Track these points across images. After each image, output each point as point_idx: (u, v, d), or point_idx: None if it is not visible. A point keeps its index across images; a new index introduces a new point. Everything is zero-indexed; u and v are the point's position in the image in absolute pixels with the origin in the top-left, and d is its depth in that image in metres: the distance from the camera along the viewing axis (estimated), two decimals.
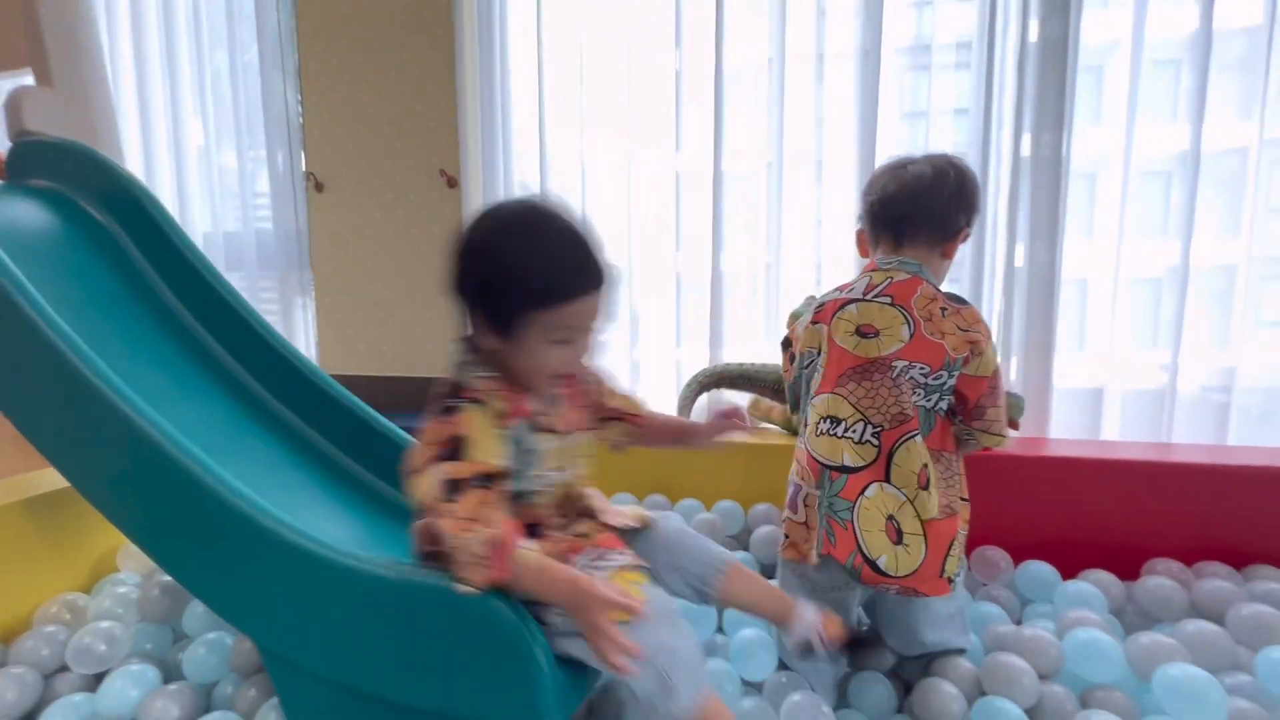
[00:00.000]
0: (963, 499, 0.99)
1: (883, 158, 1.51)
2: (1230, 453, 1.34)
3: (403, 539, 1.13)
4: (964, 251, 1.55)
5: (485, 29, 1.76)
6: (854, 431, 0.95)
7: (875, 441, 0.95)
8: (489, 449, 0.70)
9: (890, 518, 0.93)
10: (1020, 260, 1.52)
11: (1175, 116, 1.46)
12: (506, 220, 0.73)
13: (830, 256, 1.66)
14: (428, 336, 1.93)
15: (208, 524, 0.81)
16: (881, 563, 0.91)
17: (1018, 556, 1.21)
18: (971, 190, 1.03)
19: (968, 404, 1.01)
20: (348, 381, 1.54)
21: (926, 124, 1.61)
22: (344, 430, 1.24)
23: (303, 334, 2.13)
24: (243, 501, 0.78)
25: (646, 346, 1.82)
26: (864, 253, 1.10)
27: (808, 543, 0.96)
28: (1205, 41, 1.39)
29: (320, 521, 1.07)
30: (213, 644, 1.00)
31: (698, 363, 1.65)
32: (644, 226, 1.78)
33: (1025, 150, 1.50)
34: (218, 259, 2.12)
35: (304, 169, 1.97)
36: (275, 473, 1.14)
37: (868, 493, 0.93)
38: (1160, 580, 1.12)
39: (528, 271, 0.70)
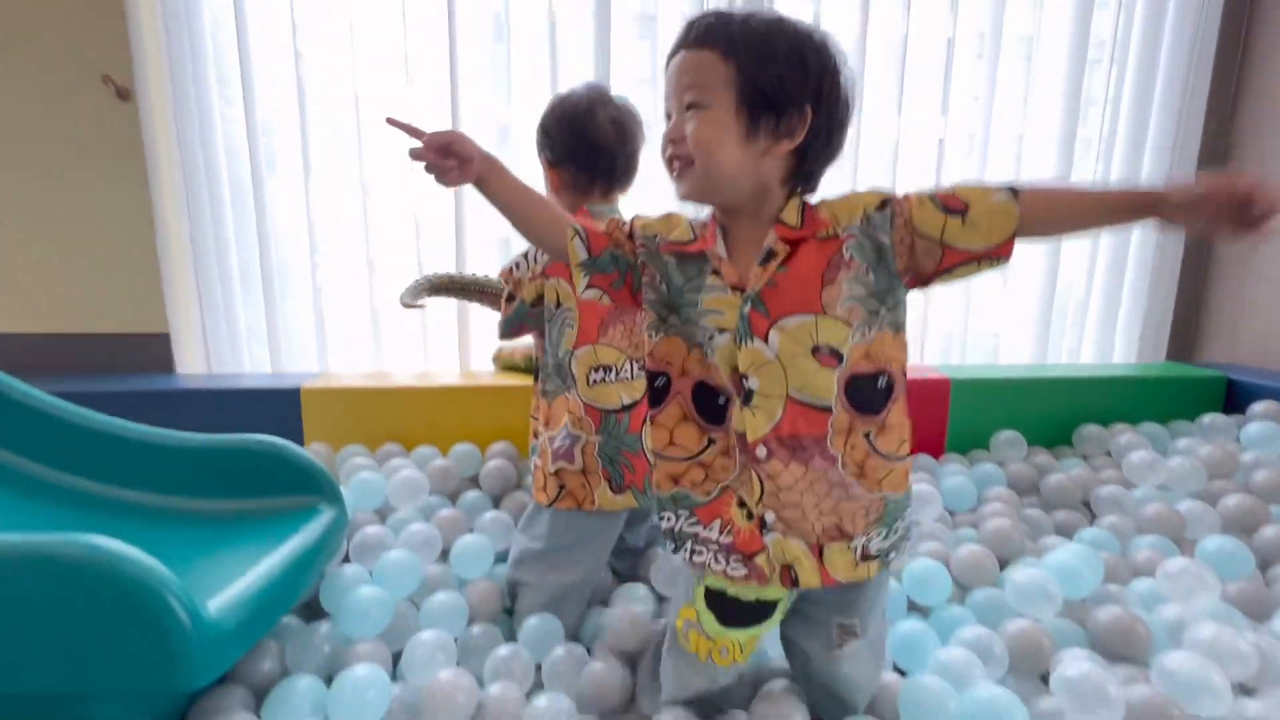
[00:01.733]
0: None
1: None
2: None
3: (47, 520, 0.96)
4: None
5: None
6: (626, 372, 1.04)
7: (643, 374, 1.03)
8: None
9: None
10: None
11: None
12: None
13: None
14: (101, 285, 1.61)
15: None
16: None
17: None
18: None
19: None
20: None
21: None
22: None
23: None
24: None
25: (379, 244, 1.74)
26: (554, 190, 1.10)
27: (586, 489, 1.02)
28: None
29: None
30: None
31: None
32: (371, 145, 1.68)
33: None
34: None
35: None
36: None
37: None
38: None
39: None
